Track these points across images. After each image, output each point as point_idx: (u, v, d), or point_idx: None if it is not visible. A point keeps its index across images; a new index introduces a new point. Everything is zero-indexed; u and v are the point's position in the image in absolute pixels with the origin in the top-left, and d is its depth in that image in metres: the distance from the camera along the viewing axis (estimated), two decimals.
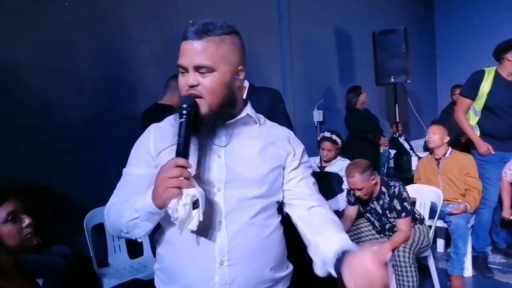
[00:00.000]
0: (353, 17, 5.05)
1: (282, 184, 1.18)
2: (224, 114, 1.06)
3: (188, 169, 0.96)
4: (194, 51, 1.03)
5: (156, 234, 1.18)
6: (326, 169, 3.27)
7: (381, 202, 2.58)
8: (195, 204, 0.94)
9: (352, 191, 2.59)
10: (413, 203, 2.98)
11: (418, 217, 2.68)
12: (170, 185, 0.93)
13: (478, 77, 3.16)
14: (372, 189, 2.54)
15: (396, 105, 4.71)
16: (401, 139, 4.96)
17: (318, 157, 3.38)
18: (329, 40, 4.85)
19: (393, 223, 2.56)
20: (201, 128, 1.03)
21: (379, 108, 5.42)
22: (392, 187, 2.53)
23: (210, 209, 1.06)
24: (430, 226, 2.80)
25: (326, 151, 3.25)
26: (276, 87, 4.15)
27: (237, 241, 1.08)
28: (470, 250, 3.04)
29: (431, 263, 2.77)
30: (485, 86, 3.10)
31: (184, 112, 1.00)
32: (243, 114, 1.13)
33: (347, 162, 3.25)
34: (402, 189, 2.52)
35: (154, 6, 3.19)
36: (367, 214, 2.70)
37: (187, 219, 0.95)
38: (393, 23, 4.90)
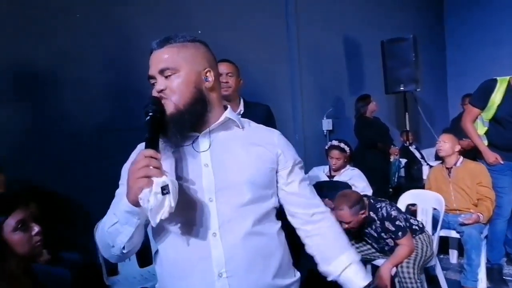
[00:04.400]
0: (362, 26, 5.05)
1: (277, 188, 1.18)
2: (192, 112, 1.06)
3: (158, 158, 0.96)
4: (157, 58, 1.08)
5: (154, 254, 1.19)
6: (335, 178, 3.25)
7: (373, 227, 2.49)
8: (164, 190, 0.92)
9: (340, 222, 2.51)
10: (413, 211, 2.91)
11: (417, 227, 2.58)
12: (138, 175, 0.93)
13: (489, 86, 3.06)
14: (361, 222, 2.44)
15: (406, 113, 4.69)
16: (412, 148, 4.91)
17: (327, 166, 3.36)
18: (338, 48, 4.86)
19: (391, 245, 2.47)
20: (170, 127, 1.04)
21: (389, 117, 5.38)
22: (379, 210, 2.43)
23: (203, 221, 1.06)
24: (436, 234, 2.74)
25: (335, 160, 3.23)
26: (285, 96, 4.24)
27: (233, 252, 1.07)
28: (484, 262, 2.97)
29: (439, 272, 2.69)
30: (497, 96, 3.00)
31: (149, 111, 1.02)
32: (222, 118, 1.12)
33: (356, 171, 3.24)
34: (389, 209, 2.42)
35: (165, 17, 3.24)
36: (365, 238, 2.62)
37: (159, 209, 0.93)
38: (402, 31, 4.90)
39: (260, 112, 2.35)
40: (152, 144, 0.99)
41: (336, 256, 1.20)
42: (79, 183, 2.75)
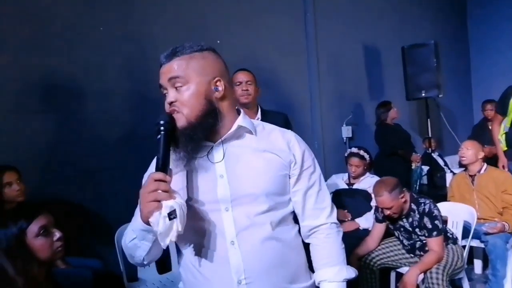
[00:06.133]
0: (382, 32, 5.01)
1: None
2: (204, 124, 1.06)
3: (167, 181, 0.98)
4: (167, 70, 1.09)
5: (178, 256, 1.22)
6: (355, 186, 3.22)
7: (410, 219, 2.50)
8: (171, 215, 0.94)
9: (381, 209, 2.53)
10: (444, 222, 2.86)
11: (451, 236, 2.58)
12: (148, 199, 0.96)
13: (506, 92, 3.17)
14: (402, 207, 2.47)
15: (428, 120, 4.59)
16: (435, 155, 4.82)
17: (347, 174, 3.33)
18: (358, 55, 4.82)
19: (424, 242, 2.47)
20: (181, 140, 1.05)
21: (411, 124, 5.30)
22: (422, 204, 2.45)
23: (220, 230, 1.08)
24: (464, 247, 2.68)
25: (354, 167, 3.19)
26: (304, 104, 4.24)
27: (252, 259, 1.08)
28: (510, 272, 2.87)
29: (466, 286, 2.63)
30: None
31: (162, 128, 1.03)
32: (234, 127, 1.12)
33: (376, 178, 3.19)
34: (432, 207, 2.44)
35: (184, 27, 3.30)
36: (396, 232, 2.62)
37: (168, 232, 0.95)
38: (423, 36, 4.84)
39: (277, 121, 2.34)
40: (162, 165, 1.00)
41: (319, 268, 1.21)
42: (101, 191, 2.81)
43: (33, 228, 1.42)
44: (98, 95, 2.86)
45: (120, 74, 2.98)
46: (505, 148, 3.24)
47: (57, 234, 1.47)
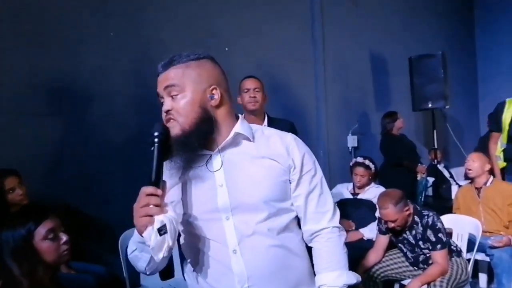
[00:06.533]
0: (389, 41, 5.01)
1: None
2: (198, 132, 1.06)
3: (158, 195, 0.97)
4: (163, 79, 1.11)
5: (183, 264, 1.23)
6: (360, 196, 3.21)
7: (413, 232, 2.48)
8: (161, 230, 0.95)
9: (384, 221, 2.51)
10: (449, 235, 2.85)
11: (455, 249, 2.55)
12: (140, 214, 0.96)
13: (498, 109, 3.18)
14: (406, 219, 2.45)
15: (434, 131, 4.58)
16: (440, 167, 4.79)
17: (351, 184, 3.32)
18: (365, 64, 4.83)
19: (427, 255, 2.45)
20: (176, 148, 1.05)
21: (417, 134, 5.28)
22: (426, 217, 2.43)
23: (222, 239, 1.09)
24: (468, 260, 2.65)
25: (359, 177, 3.19)
26: (310, 112, 4.24)
27: (254, 267, 1.08)
28: None
29: None
30: (506, 116, 3.09)
31: (156, 140, 1.03)
32: (231, 134, 1.12)
33: (381, 189, 3.18)
34: (436, 219, 2.41)
35: (192, 34, 3.32)
36: (399, 245, 2.60)
37: (161, 246, 0.96)
38: (431, 47, 4.84)
39: (284, 129, 2.36)
40: (155, 178, 1.00)
41: (320, 272, 1.20)
42: (105, 195, 2.82)
43: (41, 230, 1.43)
44: (104, 98, 2.88)
45: (126, 77, 3.00)
46: (504, 164, 3.21)
47: (64, 238, 1.48)
